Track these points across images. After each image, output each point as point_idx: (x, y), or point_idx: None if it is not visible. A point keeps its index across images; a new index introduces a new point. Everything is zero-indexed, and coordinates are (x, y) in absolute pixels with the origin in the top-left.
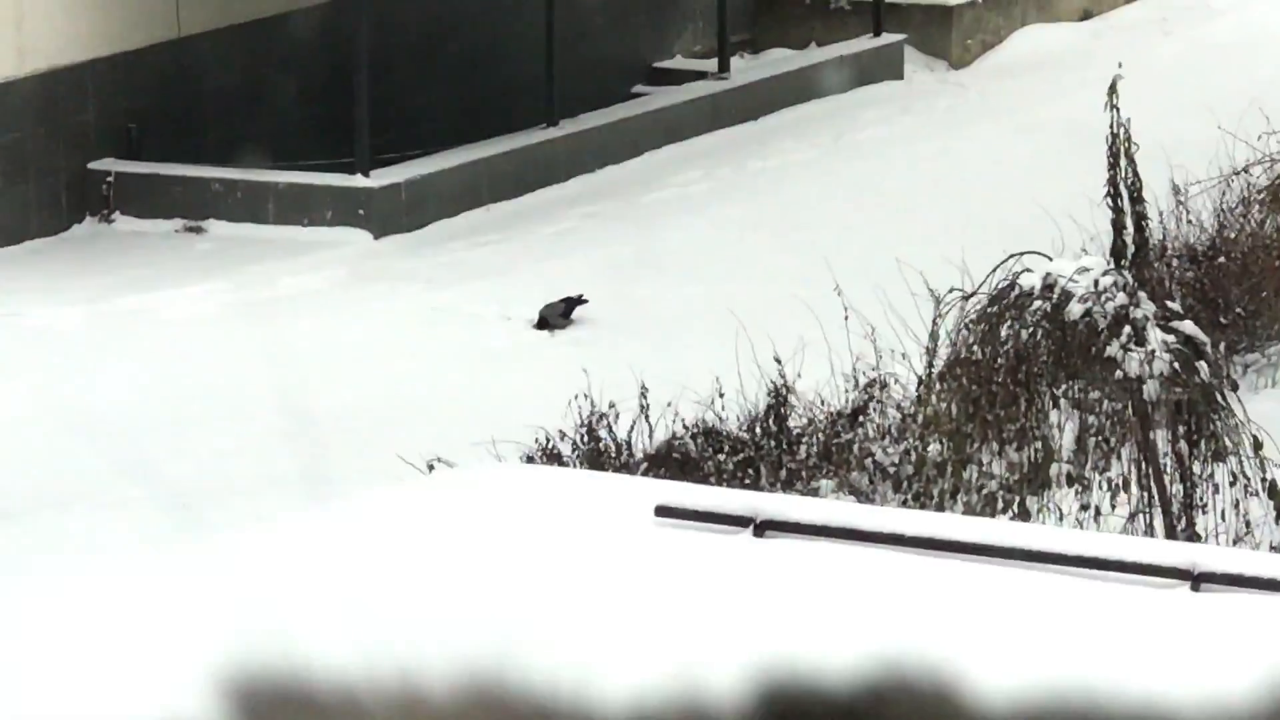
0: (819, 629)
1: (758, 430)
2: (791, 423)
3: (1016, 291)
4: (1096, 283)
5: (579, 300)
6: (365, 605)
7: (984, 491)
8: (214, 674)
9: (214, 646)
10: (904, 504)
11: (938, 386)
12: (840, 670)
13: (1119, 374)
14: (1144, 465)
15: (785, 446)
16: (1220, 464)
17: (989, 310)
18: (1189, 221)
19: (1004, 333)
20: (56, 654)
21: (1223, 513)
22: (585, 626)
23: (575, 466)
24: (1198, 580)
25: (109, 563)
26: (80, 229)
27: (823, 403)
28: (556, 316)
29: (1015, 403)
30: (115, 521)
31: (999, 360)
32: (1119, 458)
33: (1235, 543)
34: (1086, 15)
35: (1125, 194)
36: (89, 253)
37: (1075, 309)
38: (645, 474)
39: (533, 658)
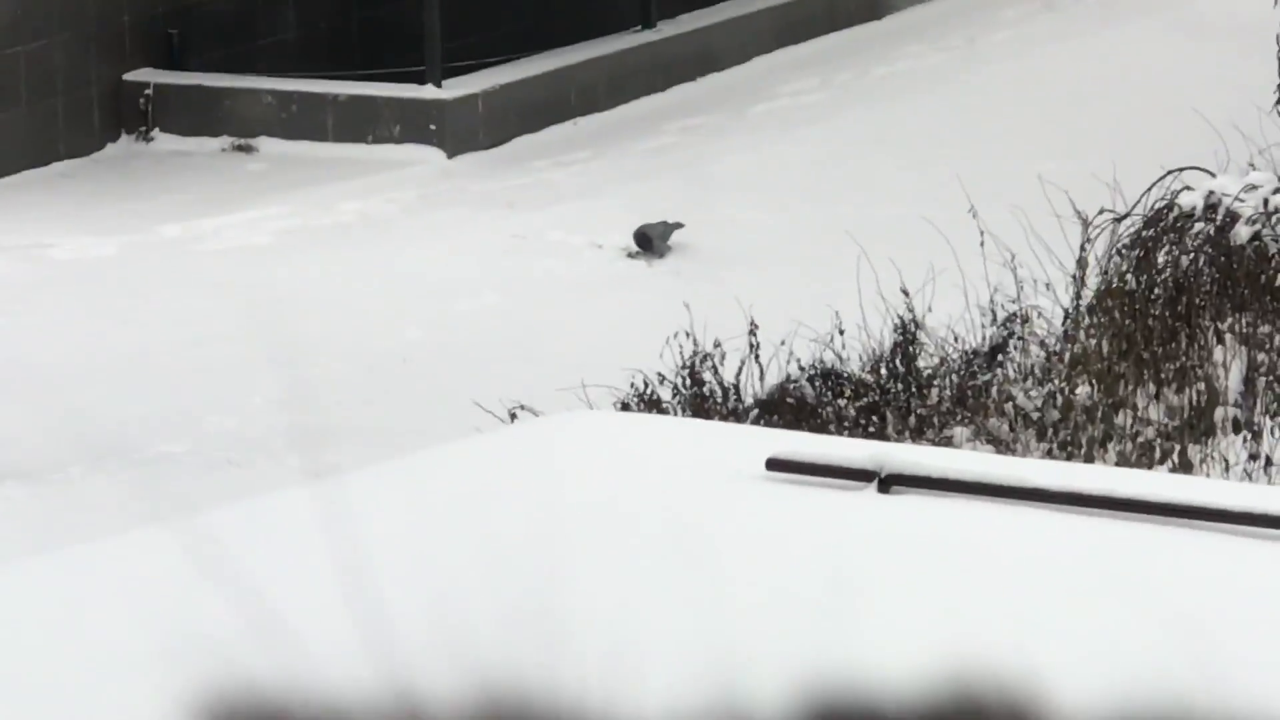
0: (947, 596)
1: (883, 372)
2: (921, 363)
3: (1175, 212)
4: (1266, 201)
5: (677, 225)
6: (404, 592)
7: (1139, 439)
8: (179, 702)
9: (189, 659)
10: (1049, 454)
11: (1086, 321)
12: (907, 686)
13: None
14: None
15: (914, 390)
16: None
17: (1144, 234)
18: None
19: (1161, 259)
20: None
21: None
22: (659, 604)
23: (676, 414)
24: None
25: (125, 532)
26: (115, 148)
27: (956, 340)
28: (657, 237)
29: (1175, 339)
30: (149, 479)
31: (1156, 291)
32: None
33: None
34: None
35: None
36: (125, 175)
37: (1242, 232)
38: (756, 422)
39: (580, 652)
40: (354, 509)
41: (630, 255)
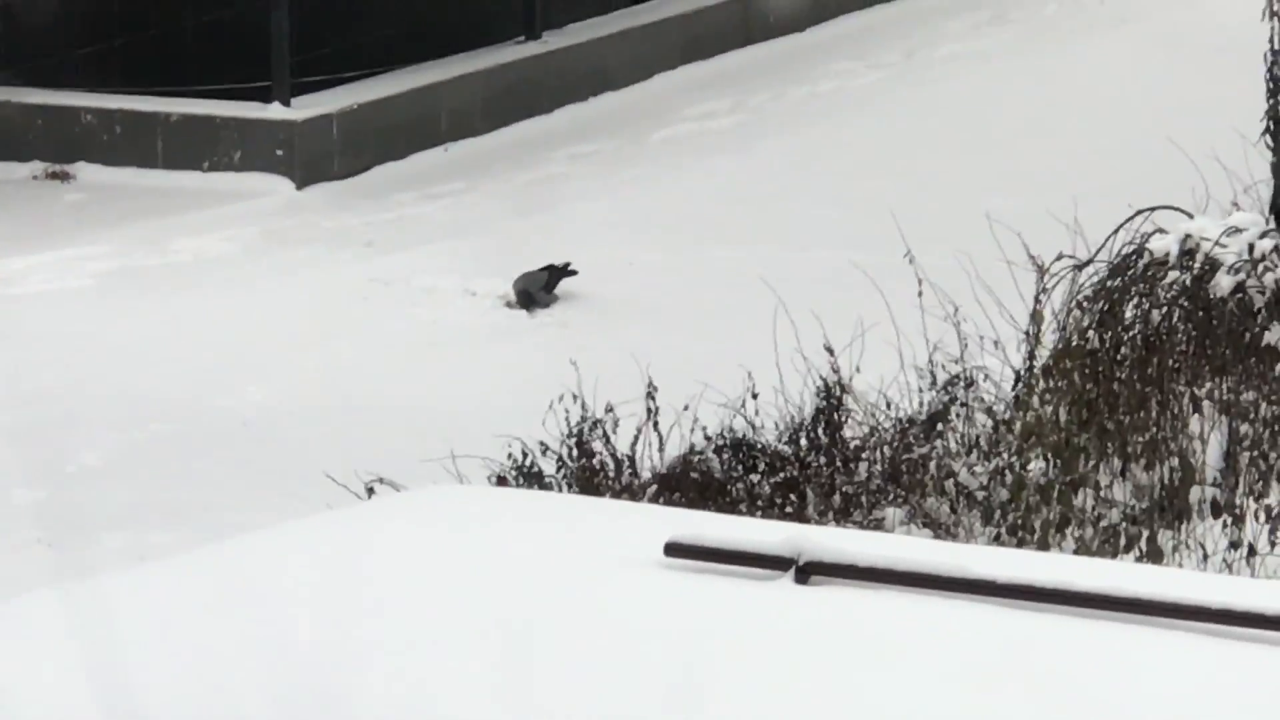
0: (875, 705)
1: (803, 442)
2: (848, 432)
3: (1145, 259)
4: (1251, 247)
5: (565, 270)
6: (238, 689)
7: (1102, 524)
8: None
9: None
10: (996, 540)
11: (1041, 385)
12: None
13: None
14: None
15: (839, 464)
16: None
17: (1109, 284)
18: None
19: (1129, 314)
20: None
21: None
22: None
23: (561, 489)
24: None
25: None
26: None
27: (889, 406)
28: (538, 290)
29: (1144, 406)
30: None
31: (1122, 350)
32: None
33: None
34: None
35: None
36: None
37: (1224, 282)
38: (654, 500)
39: None
40: (156, 602)
41: (509, 304)
